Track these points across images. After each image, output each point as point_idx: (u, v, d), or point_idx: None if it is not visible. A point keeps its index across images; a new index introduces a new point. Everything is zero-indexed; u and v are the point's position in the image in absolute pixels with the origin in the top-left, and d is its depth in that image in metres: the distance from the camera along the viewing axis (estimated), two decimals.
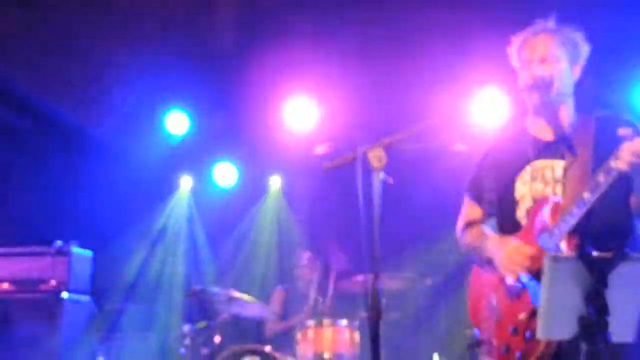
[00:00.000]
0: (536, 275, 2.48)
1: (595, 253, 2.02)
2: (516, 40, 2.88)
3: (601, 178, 2.38)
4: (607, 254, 2.01)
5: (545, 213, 2.60)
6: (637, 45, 5.37)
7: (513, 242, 2.66)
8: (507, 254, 2.63)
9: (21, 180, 7.51)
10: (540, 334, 2.24)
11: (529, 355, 2.51)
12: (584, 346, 2.11)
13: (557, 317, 2.12)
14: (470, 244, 2.93)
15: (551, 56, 2.75)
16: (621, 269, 2.00)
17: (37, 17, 5.74)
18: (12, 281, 6.00)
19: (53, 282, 5.94)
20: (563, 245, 2.48)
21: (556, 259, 2.09)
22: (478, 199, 3.00)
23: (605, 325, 1.99)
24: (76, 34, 5.93)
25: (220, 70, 6.43)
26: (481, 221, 2.99)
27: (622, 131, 2.33)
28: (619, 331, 2.03)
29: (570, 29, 2.81)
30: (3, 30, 5.78)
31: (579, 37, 2.81)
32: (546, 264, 2.09)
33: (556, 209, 2.59)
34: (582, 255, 2.02)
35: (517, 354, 2.55)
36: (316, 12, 5.54)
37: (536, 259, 2.53)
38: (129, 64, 6.30)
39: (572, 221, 2.46)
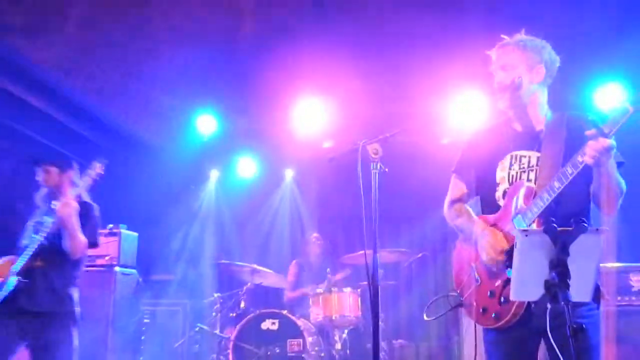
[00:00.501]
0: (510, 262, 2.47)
1: (558, 228, 2.04)
2: (494, 48, 2.87)
3: (569, 170, 2.41)
4: (569, 228, 2.02)
5: (520, 197, 2.60)
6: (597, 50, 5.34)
7: (492, 235, 2.63)
8: (488, 244, 2.61)
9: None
10: (513, 296, 2.26)
11: (502, 316, 2.52)
12: (549, 305, 2.12)
13: (526, 282, 2.13)
14: (459, 224, 2.88)
15: (509, 64, 2.72)
16: (580, 240, 2.01)
17: (96, 36, 5.74)
18: None
19: (107, 258, 5.97)
20: (534, 226, 2.49)
21: (526, 233, 2.10)
22: (464, 179, 2.97)
23: (567, 287, 2.00)
24: (125, 49, 5.92)
25: (242, 79, 6.42)
26: (465, 198, 2.96)
27: (588, 132, 2.34)
28: (579, 292, 2.04)
29: (531, 38, 2.76)
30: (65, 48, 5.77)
31: (538, 43, 2.75)
32: (517, 237, 2.11)
33: (529, 194, 2.59)
34: (548, 229, 2.03)
35: (493, 314, 2.56)
36: (322, 26, 5.52)
37: (501, 252, 2.55)
38: (166, 76, 6.30)
39: (542, 205, 2.47)
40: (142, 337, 6.31)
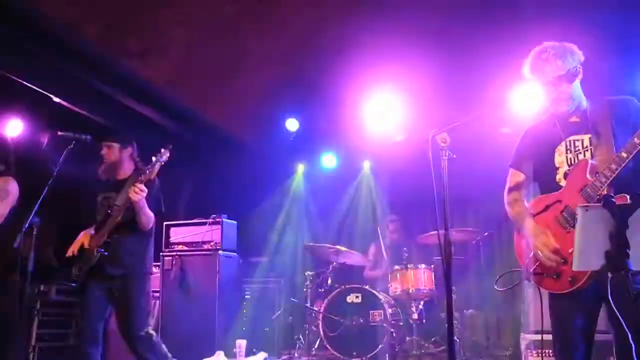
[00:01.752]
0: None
1: (616, 202, 1.97)
2: (530, 56, 2.76)
3: (637, 140, 2.36)
4: (626, 202, 1.95)
5: (584, 172, 2.55)
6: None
7: (545, 235, 2.60)
8: (541, 245, 2.58)
9: (189, 175, 7.83)
10: (575, 267, 2.19)
11: (578, 279, 2.46)
12: (610, 274, 2.06)
13: (588, 253, 2.07)
14: (515, 218, 2.84)
15: (554, 79, 2.64)
16: (638, 212, 1.94)
17: (198, 55, 5.94)
18: (185, 243, 6.27)
19: (212, 244, 6.15)
20: (604, 192, 2.43)
21: (586, 208, 2.04)
22: (521, 169, 2.93)
23: (626, 257, 1.93)
24: (223, 64, 6.08)
25: (321, 83, 6.47)
26: (522, 187, 2.90)
27: None
28: (637, 262, 1.96)
29: (567, 44, 2.70)
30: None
31: (574, 47, 2.69)
32: (579, 213, 2.05)
33: (593, 169, 2.54)
34: (606, 203, 1.96)
35: (569, 279, 2.49)
36: (394, 29, 5.47)
37: (557, 250, 2.52)
38: (257, 85, 6.43)
39: (611, 175, 2.42)
40: (244, 311, 6.47)
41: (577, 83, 2.71)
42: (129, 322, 3.88)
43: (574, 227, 2.46)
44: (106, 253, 3.83)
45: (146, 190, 3.77)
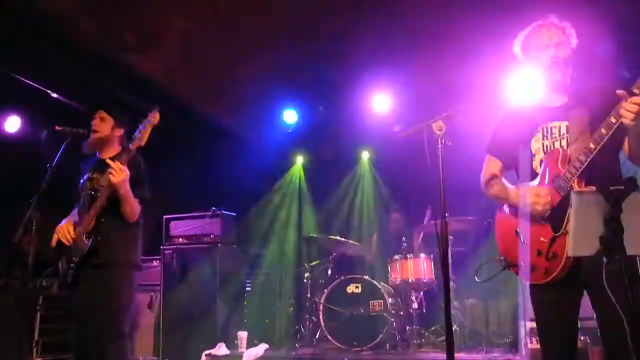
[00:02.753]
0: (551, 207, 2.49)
1: (611, 187, 1.97)
2: (526, 30, 2.78)
3: (603, 131, 2.36)
4: (620, 187, 1.95)
5: (556, 162, 2.55)
6: None
7: (528, 188, 2.60)
8: (528, 197, 2.57)
9: (188, 168, 7.83)
10: (570, 252, 2.19)
11: (552, 270, 2.46)
12: (604, 259, 2.06)
13: (583, 239, 2.07)
14: (497, 196, 2.82)
15: (562, 42, 2.66)
16: (631, 197, 1.94)
17: (195, 48, 5.92)
18: (185, 236, 6.28)
19: (211, 236, 6.16)
20: (575, 186, 2.44)
21: (581, 193, 2.04)
22: (498, 155, 2.90)
23: (621, 241, 1.93)
24: (220, 58, 6.08)
25: (320, 76, 6.46)
26: (500, 172, 2.89)
27: (619, 92, 2.28)
28: (632, 246, 1.96)
29: (567, 24, 2.71)
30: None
31: (572, 31, 2.71)
32: (573, 198, 2.05)
33: (564, 158, 2.53)
34: (601, 188, 1.96)
35: (543, 270, 2.49)
36: (392, 18, 5.46)
37: (547, 196, 2.51)
38: (255, 79, 6.43)
39: (580, 166, 2.42)
40: (245, 302, 6.50)
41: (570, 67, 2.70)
42: (108, 318, 3.49)
43: (547, 219, 2.49)
44: (99, 238, 3.49)
45: (127, 170, 3.42)
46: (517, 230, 2.65)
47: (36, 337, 5.67)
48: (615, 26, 4.87)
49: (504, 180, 2.83)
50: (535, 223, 2.56)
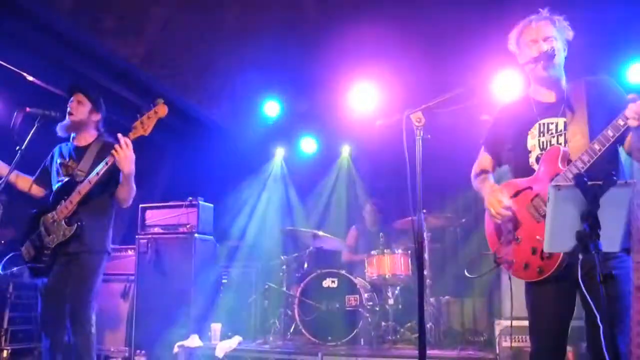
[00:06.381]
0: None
1: (589, 181, 1.93)
2: (518, 26, 2.76)
3: (610, 133, 2.33)
4: (598, 182, 1.91)
5: (556, 160, 2.51)
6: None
7: (497, 189, 2.65)
8: (491, 197, 2.62)
9: (166, 158, 7.73)
10: (546, 248, 2.16)
11: (546, 269, 2.43)
12: (580, 256, 2.03)
13: (559, 234, 2.03)
14: (478, 189, 2.88)
15: (551, 36, 2.63)
16: (610, 192, 1.90)
17: (176, 35, 5.81)
18: (161, 226, 6.17)
19: (188, 226, 6.06)
20: None
21: (558, 187, 2.00)
22: (491, 151, 2.91)
23: (597, 237, 1.90)
24: (200, 45, 5.99)
25: (302, 67, 6.40)
26: (491, 168, 2.92)
27: (630, 96, 2.27)
28: (609, 242, 1.93)
29: (560, 17, 2.69)
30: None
31: (564, 22, 2.69)
32: (550, 192, 2.01)
33: (565, 157, 2.51)
34: (579, 183, 1.93)
35: (537, 269, 2.47)
36: (372, 16, 5.42)
37: (507, 207, 2.57)
38: (236, 68, 6.35)
39: (583, 166, 2.39)
40: (220, 295, 6.42)
41: (563, 59, 2.67)
42: (79, 302, 3.50)
43: (544, 217, 2.44)
44: (83, 223, 3.50)
45: (133, 157, 3.44)
46: (509, 227, 2.63)
47: (5, 325, 5.55)
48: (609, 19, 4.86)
49: (489, 176, 2.85)
50: (532, 221, 2.53)
